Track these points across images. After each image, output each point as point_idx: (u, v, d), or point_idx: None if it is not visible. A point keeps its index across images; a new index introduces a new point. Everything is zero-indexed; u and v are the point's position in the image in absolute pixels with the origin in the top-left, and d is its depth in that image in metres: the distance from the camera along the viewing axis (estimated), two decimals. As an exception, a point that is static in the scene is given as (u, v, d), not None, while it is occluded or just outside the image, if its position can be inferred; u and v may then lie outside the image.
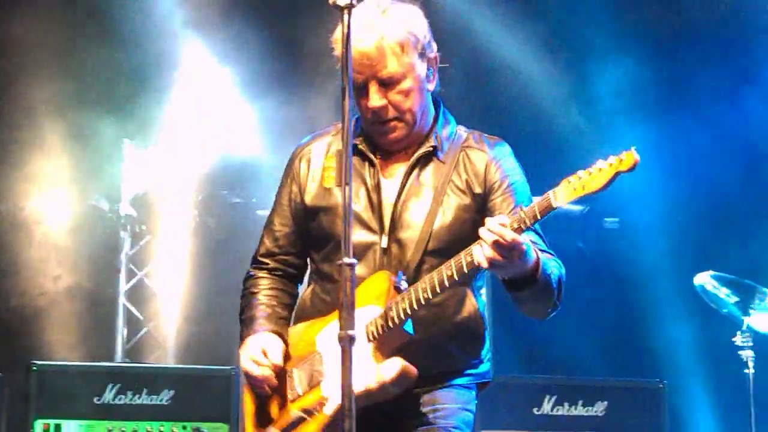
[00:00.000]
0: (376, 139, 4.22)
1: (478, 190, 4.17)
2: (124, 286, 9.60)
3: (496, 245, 3.74)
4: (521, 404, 7.21)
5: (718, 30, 9.16)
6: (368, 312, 4.03)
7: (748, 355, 6.76)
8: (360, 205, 4.18)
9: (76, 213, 9.36)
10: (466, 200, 4.16)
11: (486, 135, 4.33)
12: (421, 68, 4.18)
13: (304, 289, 4.45)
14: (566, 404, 7.22)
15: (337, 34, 4.05)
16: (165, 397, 6.97)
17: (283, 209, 4.40)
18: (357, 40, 4.00)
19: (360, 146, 4.24)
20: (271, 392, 4.27)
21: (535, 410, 7.20)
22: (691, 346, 8.92)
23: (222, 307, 8.87)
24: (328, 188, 4.26)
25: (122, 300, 9.58)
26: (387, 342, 4.02)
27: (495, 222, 3.76)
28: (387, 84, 4.11)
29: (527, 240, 3.81)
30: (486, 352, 4.32)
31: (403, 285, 4.02)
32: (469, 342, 4.24)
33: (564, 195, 3.72)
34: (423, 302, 3.96)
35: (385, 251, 4.14)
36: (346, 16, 3.58)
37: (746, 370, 6.80)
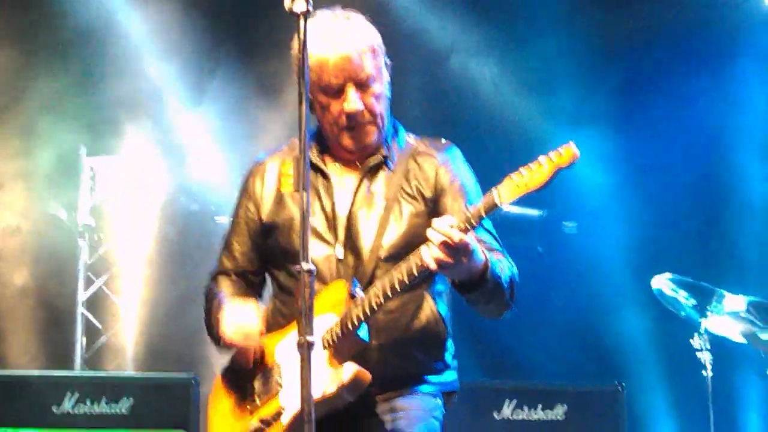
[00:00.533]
0: (345, 145, 4.24)
1: (429, 194, 4.22)
2: (82, 294, 9.55)
3: (444, 246, 3.76)
4: (481, 409, 7.22)
5: (674, 33, 9.23)
6: (325, 320, 4.06)
7: (705, 357, 6.81)
8: (315, 218, 4.21)
9: (33, 221, 9.31)
10: (419, 206, 4.20)
11: (434, 140, 4.37)
12: (386, 73, 4.25)
13: (266, 308, 4.44)
14: (526, 408, 7.23)
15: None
16: (124, 405, 6.95)
17: (240, 228, 4.42)
18: (334, 45, 4.09)
19: (313, 159, 4.26)
20: (234, 405, 4.30)
21: (495, 415, 7.22)
22: (649, 348, 8.96)
23: (181, 314, 8.85)
24: (283, 204, 4.29)
25: (81, 309, 9.53)
26: (343, 349, 4.04)
27: (442, 222, 3.79)
28: (363, 87, 4.15)
29: (474, 241, 3.84)
30: (451, 358, 4.34)
31: (359, 292, 4.04)
32: (430, 345, 4.26)
33: (507, 193, 3.73)
34: (376, 308, 3.98)
35: (341, 261, 4.17)
36: (301, 22, 3.60)
37: (704, 372, 6.84)
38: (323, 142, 4.32)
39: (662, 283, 6.98)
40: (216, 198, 9.33)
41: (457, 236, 3.75)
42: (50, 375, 7.28)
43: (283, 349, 4.21)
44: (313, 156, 4.27)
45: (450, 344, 4.32)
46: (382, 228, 4.17)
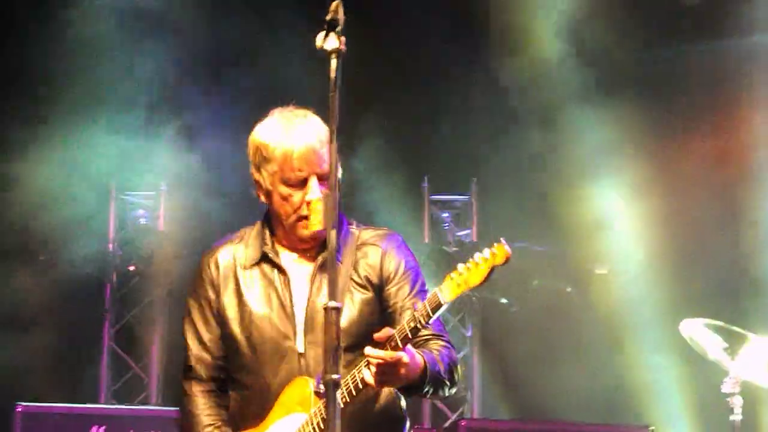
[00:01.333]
0: (301, 235, 4.30)
1: (376, 282, 4.33)
2: (110, 327, 9.58)
3: (380, 367, 3.96)
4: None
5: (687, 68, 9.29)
6: (294, 420, 4.15)
7: (734, 401, 6.74)
8: (273, 311, 4.28)
9: (64, 253, 9.35)
10: (369, 294, 4.32)
11: (377, 229, 4.48)
12: (337, 163, 4.27)
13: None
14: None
15: (268, 136, 4.24)
16: (150, 439, 6.95)
17: (204, 315, 4.43)
18: (298, 137, 4.22)
19: (269, 254, 4.35)
20: None
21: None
22: (678, 391, 8.94)
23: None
24: (239, 297, 4.34)
25: (108, 341, 9.56)
26: None
27: (377, 349, 3.97)
28: (324, 179, 4.23)
29: (410, 353, 4.02)
30: (407, 429, 4.44)
31: (322, 388, 4.07)
32: (391, 424, 4.37)
33: (449, 291, 3.98)
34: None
35: (302, 355, 4.24)
36: (333, 61, 3.62)
37: (732, 417, 6.77)
38: (273, 231, 4.39)
39: (692, 326, 6.91)
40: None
41: (389, 357, 3.95)
42: (76, 408, 7.29)
43: None
44: (270, 250, 4.36)
45: (406, 417, 4.43)
46: (341, 321, 4.21)
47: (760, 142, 9.21)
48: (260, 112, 4.42)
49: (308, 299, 4.29)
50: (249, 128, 4.39)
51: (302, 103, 4.38)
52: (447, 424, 8.95)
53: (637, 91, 9.35)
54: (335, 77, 3.63)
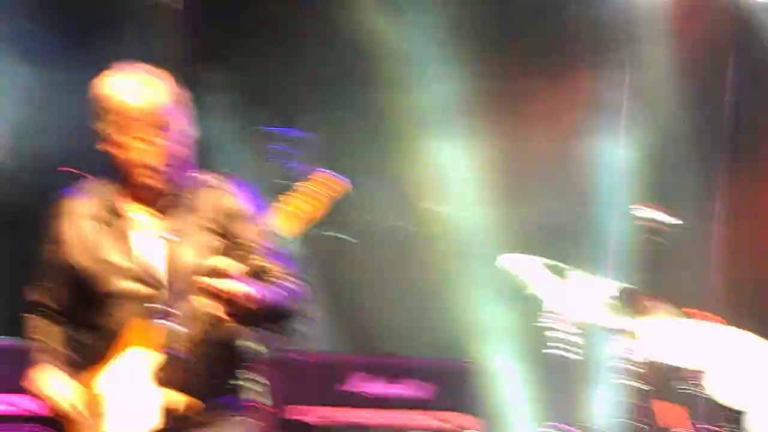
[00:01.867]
0: (143, 184, 4.42)
1: (222, 223, 4.47)
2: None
3: (217, 298, 4.13)
4: (326, 380, 7.34)
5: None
6: (139, 354, 4.32)
7: (553, 334, 6.93)
8: (117, 257, 4.40)
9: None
10: (216, 237, 4.45)
11: (221, 175, 4.62)
12: (185, 117, 4.47)
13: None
14: (372, 381, 7.34)
15: (110, 88, 4.36)
16: None
17: (51, 265, 4.55)
18: (137, 89, 4.34)
19: (113, 205, 4.46)
20: None
21: (339, 386, 7.32)
22: (499, 325, 9.17)
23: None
24: (96, 247, 4.44)
25: None
26: (170, 379, 4.31)
27: (213, 280, 4.13)
28: (164, 129, 4.36)
29: (246, 285, 4.18)
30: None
31: (175, 326, 4.29)
32: (236, 360, 4.53)
33: (287, 225, 4.29)
34: (193, 346, 4.29)
35: (152, 298, 4.37)
36: None
37: (552, 350, 6.97)
38: (118, 181, 4.49)
39: (513, 261, 7.05)
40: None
41: (226, 288, 4.12)
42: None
43: (106, 380, 4.40)
44: (111, 198, 4.47)
45: (253, 354, 4.59)
46: (186, 264, 4.39)
47: (600, 87, 9.47)
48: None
49: (155, 247, 4.40)
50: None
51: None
52: (282, 358, 9.05)
53: (477, 36, 9.48)
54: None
